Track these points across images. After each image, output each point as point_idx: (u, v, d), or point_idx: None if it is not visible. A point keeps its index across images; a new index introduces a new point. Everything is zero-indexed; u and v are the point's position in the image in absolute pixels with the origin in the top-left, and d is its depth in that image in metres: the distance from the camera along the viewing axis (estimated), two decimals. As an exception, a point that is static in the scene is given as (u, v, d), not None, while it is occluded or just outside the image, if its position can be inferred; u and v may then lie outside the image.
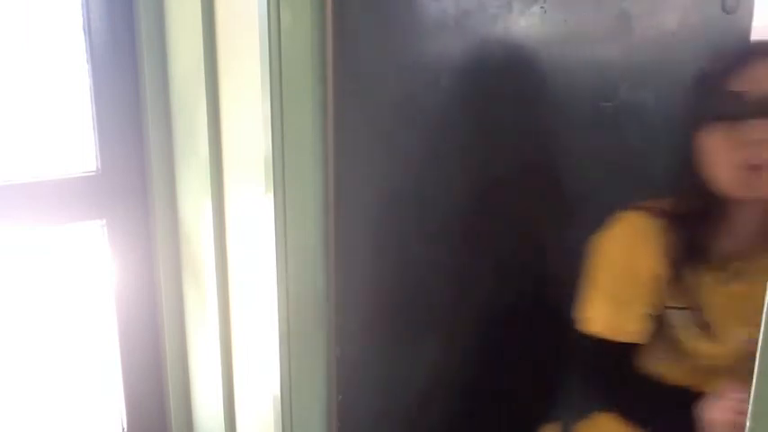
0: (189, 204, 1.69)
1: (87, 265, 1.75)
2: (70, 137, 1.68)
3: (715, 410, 0.95)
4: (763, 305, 0.90)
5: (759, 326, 0.98)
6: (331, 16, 1.40)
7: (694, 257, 1.08)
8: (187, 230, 1.71)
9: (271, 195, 1.40)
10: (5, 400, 1.72)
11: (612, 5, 1.73)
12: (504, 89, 1.63)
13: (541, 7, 1.63)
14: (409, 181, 1.51)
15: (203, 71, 1.53)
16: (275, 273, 1.40)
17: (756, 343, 0.97)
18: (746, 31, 1.91)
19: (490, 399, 1.68)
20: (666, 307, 1.11)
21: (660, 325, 1.13)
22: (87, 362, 1.82)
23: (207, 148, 1.56)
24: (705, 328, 1.08)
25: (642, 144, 1.83)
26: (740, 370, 1.02)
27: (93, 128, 1.65)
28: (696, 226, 1.07)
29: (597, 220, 1.68)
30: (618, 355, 1.12)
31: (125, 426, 1.85)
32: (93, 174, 1.67)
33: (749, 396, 0.80)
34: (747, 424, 0.58)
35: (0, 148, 1.59)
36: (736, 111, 0.99)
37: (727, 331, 1.08)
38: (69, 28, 1.61)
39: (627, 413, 1.12)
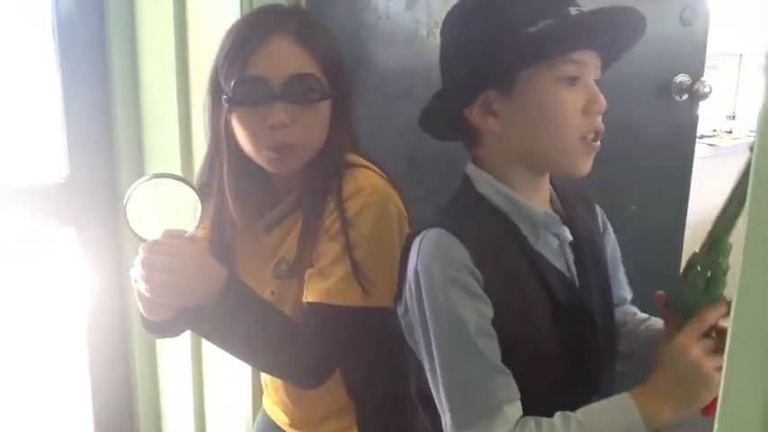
0: (160, 211, 1.68)
1: (56, 271, 1.74)
2: (40, 144, 1.67)
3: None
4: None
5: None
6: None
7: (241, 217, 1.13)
8: (158, 237, 1.70)
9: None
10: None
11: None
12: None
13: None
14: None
15: (174, 77, 1.53)
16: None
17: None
18: (703, 42, 1.96)
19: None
20: None
21: None
22: (55, 370, 1.81)
23: (178, 155, 1.56)
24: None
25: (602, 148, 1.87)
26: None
27: (63, 135, 1.64)
28: (243, 191, 1.12)
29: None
30: None
31: (93, 435, 1.84)
32: (62, 181, 1.66)
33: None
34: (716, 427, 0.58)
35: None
36: (254, 96, 1.03)
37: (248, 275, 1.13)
38: (39, 35, 1.60)
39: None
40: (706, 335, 0.90)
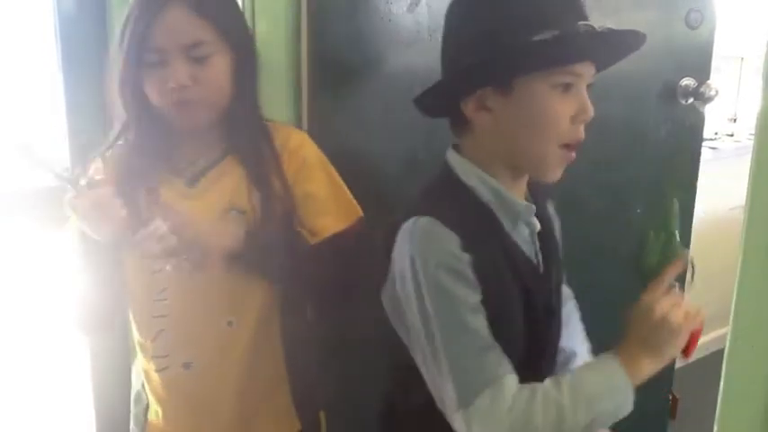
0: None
1: (57, 274, 1.73)
2: (41, 146, 1.66)
3: None
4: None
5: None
6: (306, 28, 1.41)
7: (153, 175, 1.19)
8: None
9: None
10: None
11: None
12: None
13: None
14: (388, 182, 1.53)
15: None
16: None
17: None
18: (709, 45, 1.96)
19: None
20: None
21: None
22: (59, 372, 1.80)
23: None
24: None
25: (606, 153, 1.87)
26: None
27: (65, 138, 1.64)
28: (150, 148, 1.19)
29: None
30: None
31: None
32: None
33: None
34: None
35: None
36: (155, 62, 1.12)
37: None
38: (41, 37, 1.60)
39: None
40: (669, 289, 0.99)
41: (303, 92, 1.46)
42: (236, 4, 1.24)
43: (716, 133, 3.35)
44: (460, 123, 1.02)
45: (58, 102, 1.63)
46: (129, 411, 1.37)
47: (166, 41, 1.11)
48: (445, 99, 1.02)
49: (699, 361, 3.06)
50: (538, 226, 1.07)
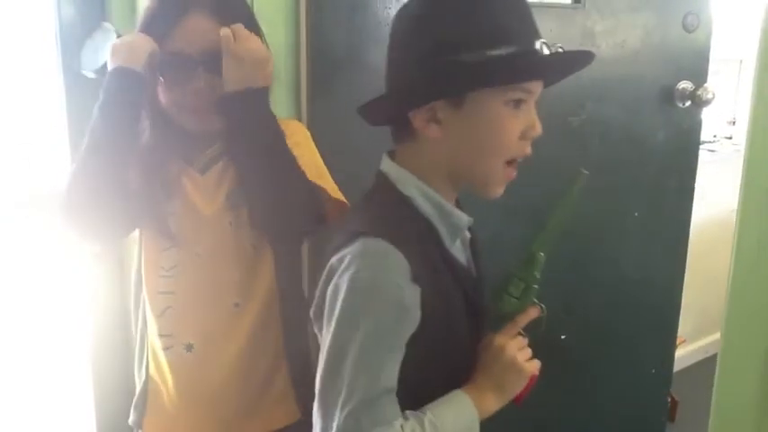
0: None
1: (63, 278, 1.74)
2: (44, 154, 1.68)
3: None
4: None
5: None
6: (305, 31, 1.42)
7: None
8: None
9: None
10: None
11: (577, 23, 1.78)
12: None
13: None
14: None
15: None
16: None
17: None
18: (706, 49, 1.97)
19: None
20: None
21: None
22: (60, 375, 1.81)
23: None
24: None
25: (603, 156, 1.88)
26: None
27: (66, 137, 1.64)
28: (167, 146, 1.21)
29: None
30: None
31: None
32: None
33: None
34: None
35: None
36: (176, 67, 1.13)
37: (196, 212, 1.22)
38: (42, 38, 1.61)
39: None
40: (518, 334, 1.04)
41: (302, 94, 1.47)
42: (251, 9, 1.24)
43: (714, 136, 3.36)
44: (405, 132, 0.99)
45: (59, 103, 1.63)
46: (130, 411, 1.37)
47: (186, 47, 1.12)
48: (393, 111, 1.00)
49: (698, 364, 3.08)
50: (468, 235, 1.09)
